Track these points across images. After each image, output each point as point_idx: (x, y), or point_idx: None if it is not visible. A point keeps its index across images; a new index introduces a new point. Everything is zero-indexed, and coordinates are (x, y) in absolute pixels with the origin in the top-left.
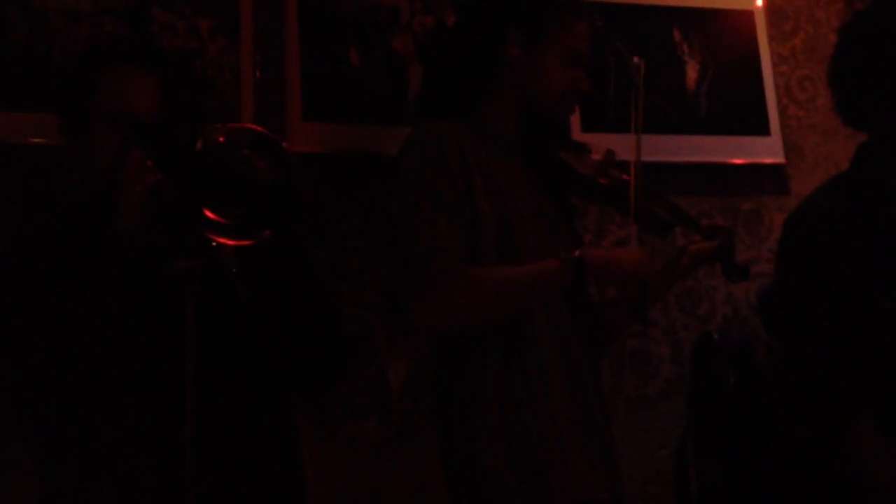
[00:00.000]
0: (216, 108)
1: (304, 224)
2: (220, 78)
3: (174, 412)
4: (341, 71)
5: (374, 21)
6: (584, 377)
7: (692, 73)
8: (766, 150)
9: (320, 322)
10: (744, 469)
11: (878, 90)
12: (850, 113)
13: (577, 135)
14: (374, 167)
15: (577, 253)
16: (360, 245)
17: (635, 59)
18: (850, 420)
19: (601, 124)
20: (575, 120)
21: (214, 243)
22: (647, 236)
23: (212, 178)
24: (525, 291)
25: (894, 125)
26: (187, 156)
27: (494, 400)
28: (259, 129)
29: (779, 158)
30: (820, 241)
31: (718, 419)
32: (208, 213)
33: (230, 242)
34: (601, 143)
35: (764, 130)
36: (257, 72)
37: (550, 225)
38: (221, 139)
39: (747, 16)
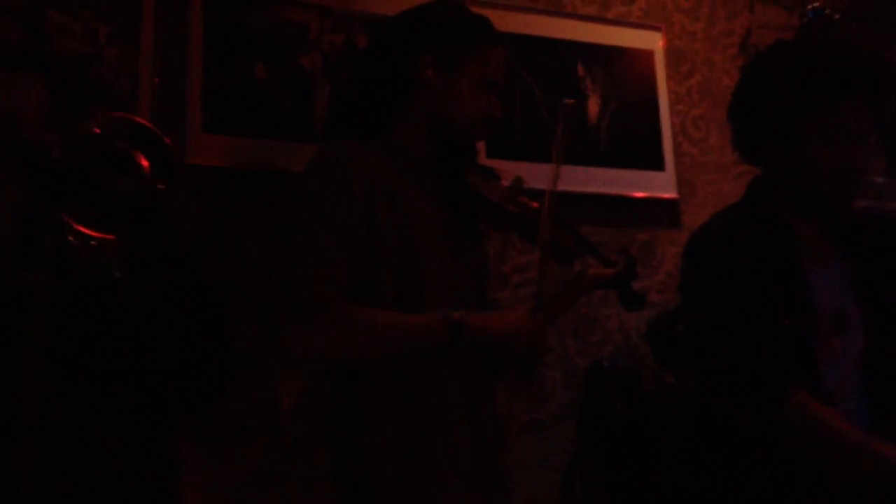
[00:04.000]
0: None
1: (179, 234)
2: (118, 84)
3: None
4: (246, 84)
5: (283, 36)
6: (478, 401)
7: (594, 107)
8: (660, 185)
9: (203, 335)
10: (627, 493)
11: (774, 128)
12: (748, 149)
13: (482, 160)
14: (277, 184)
15: (457, 316)
16: (261, 262)
17: (567, 101)
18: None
19: (507, 151)
20: (481, 146)
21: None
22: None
23: (69, 185)
24: (399, 343)
25: (788, 161)
26: (44, 165)
27: (384, 423)
28: (140, 120)
29: (672, 193)
30: (721, 263)
31: (605, 444)
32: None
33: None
34: (510, 170)
35: (659, 166)
36: (155, 78)
37: (456, 249)
38: (97, 130)
39: (648, 55)
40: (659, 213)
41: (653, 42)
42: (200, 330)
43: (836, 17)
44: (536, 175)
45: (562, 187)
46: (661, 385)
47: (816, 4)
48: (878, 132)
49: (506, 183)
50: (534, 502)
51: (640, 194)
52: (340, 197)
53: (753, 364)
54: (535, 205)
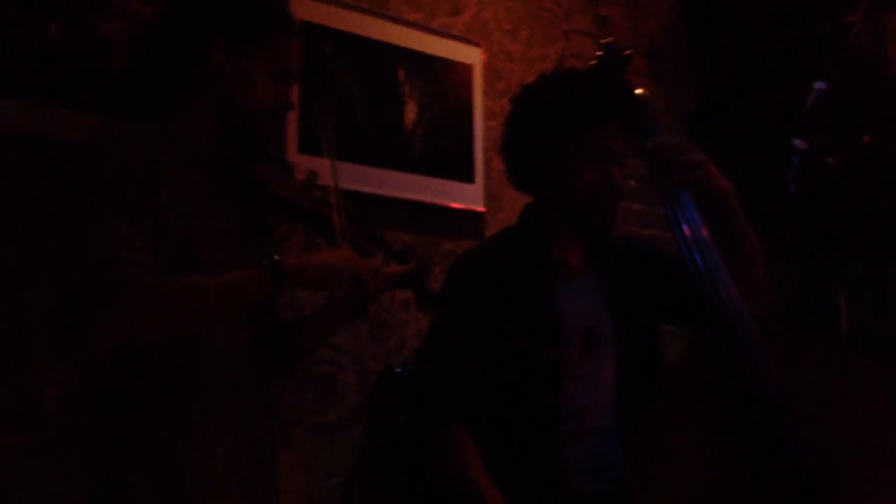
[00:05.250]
0: None
1: None
2: None
3: None
4: (35, 45)
5: None
6: (255, 410)
7: (411, 113)
8: (469, 197)
9: None
10: (406, 497)
11: (542, 152)
12: (520, 176)
13: (293, 156)
14: (54, 154)
15: (276, 258)
16: (28, 237)
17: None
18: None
19: (318, 148)
20: (292, 141)
21: None
22: None
23: None
24: (218, 301)
25: (555, 183)
26: None
27: (148, 433)
28: None
29: (479, 206)
30: (465, 284)
31: (388, 449)
32: None
33: None
34: (305, 164)
35: (469, 178)
36: None
37: (239, 243)
38: None
39: (467, 69)
40: (465, 224)
41: (473, 57)
42: None
43: (628, 52)
44: (346, 173)
45: (371, 189)
46: None
47: (611, 39)
48: (639, 158)
49: (300, 177)
50: None
51: (449, 204)
52: (126, 184)
53: (431, 390)
54: (330, 201)
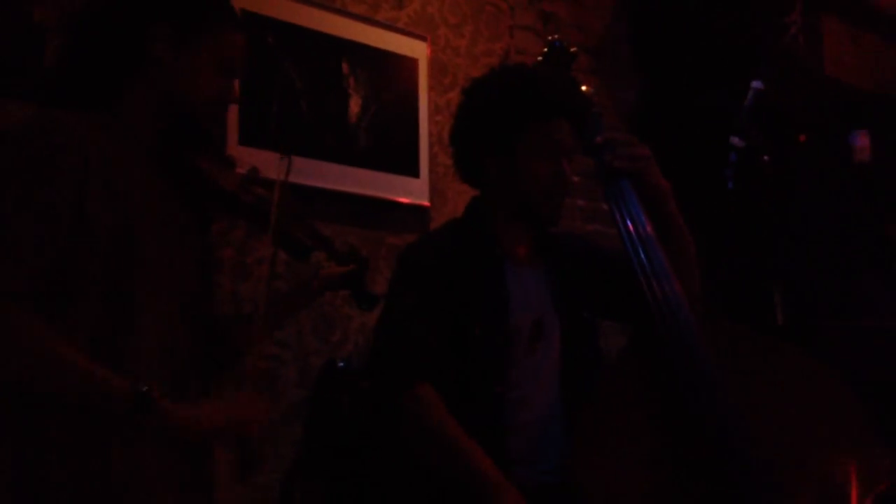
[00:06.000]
0: None
1: None
2: None
3: None
4: None
5: None
6: (185, 398)
7: (355, 106)
8: (414, 191)
9: None
10: (345, 494)
11: (491, 145)
12: (468, 168)
13: (234, 148)
14: None
15: (146, 389)
16: None
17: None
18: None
19: (260, 140)
20: (233, 132)
21: None
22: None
23: None
24: (68, 387)
25: (504, 176)
26: None
27: (74, 431)
28: None
29: (424, 200)
30: (419, 269)
31: (330, 443)
32: None
33: None
34: (248, 158)
35: (414, 172)
36: None
37: (179, 237)
38: None
39: (412, 63)
40: (410, 218)
41: (418, 51)
42: None
43: (573, 49)
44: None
45: (314, 182)
46: None
47: (556, 37)
48: (583, 155)
49: (241, 171)
50: None
51: (393, 198)
52: (42, 175)
53: (396, 353)
54: (271, 196)
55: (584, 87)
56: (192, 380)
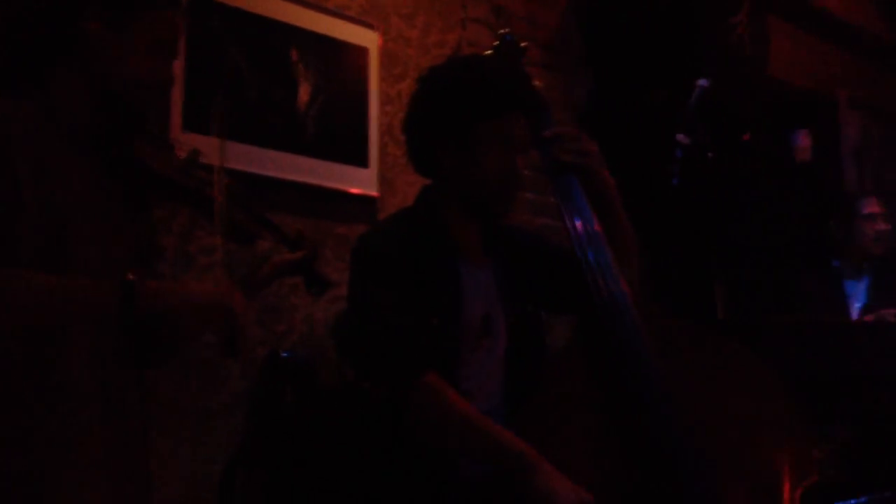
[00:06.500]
0: None
1: None
2: None
3: None
4: None
5: None
6: (125, 409)
7: (304, 94)
8: (363, 181)
9: None
10: (288, 491)
11: (445, 137)
12: (421, 159)
13: (178, 134)
14: None
15: (131, 276)
16: None
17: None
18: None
19: (204, 126)
20: (176, 118)
21: None
22: (232, 245)
23: None
24: (54, 306)
25: (456, 168)
26: None
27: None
28: None
29: (373, 191)
30: (381, 257)
31: (272, 434)
32: None
33: None
34: (191, 143)
35: (363, 162)
36: None
37: (115, 224)
38: None
39: (363, 52)
40: (359, 209)
41: (369, 40)
42: None
43: (524, 44)
44: (235, 153)
45: (261, 170)
46: (342, 380)
47: (507, 31)
48: (532, 148)
49: (181, 155)
50: (190, 497)
51: (341, 188)
52: None
53: (395, 346)
54: (216, 180)
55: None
56: (123, 386)
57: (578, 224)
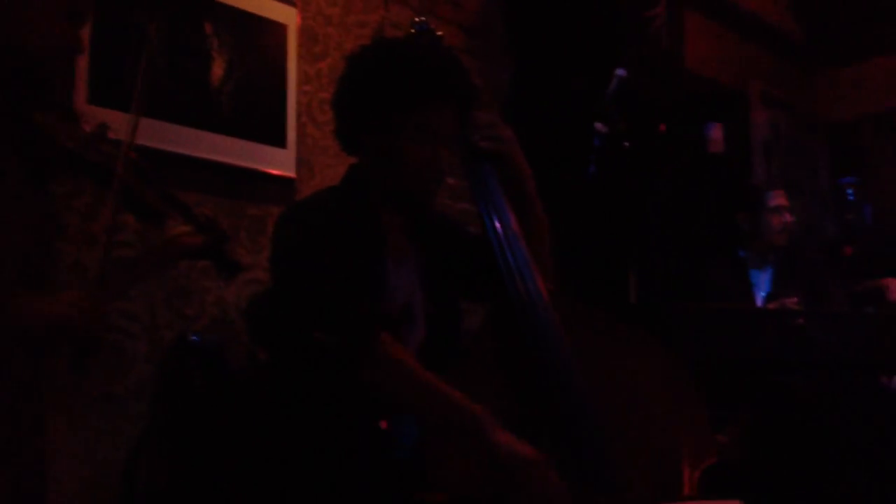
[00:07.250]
0: None
1: None
2: None
3: None
4: None
5: None
6: (17, 393)
7: (218, 70)
8: (279, 162)
9: None
10: (193, 476)
11: (370, 121)
12: (347, 138)
13: (83, 106)
14: None
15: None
16: None
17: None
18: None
19: (114, 100)
20: (81, 89)
21: None
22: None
23: None
24: None
25: (380, 154)
26: None
27: None
28: None
29: (290, 172)
30: (313, 225)
31: (179, 420)
32: None
33: None
34: (96, 115)
35: (281, 143)
36: None
37: (11, 199)
38: None
39: (281, 29)
40: (275, 190)
41: (287, 17)
42: None
43: (440, 34)
44: (144, 128)
45: (172, 147)
46: (253, 363)
47: (423, 19)
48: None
49: (87, 128)
50: (94, 483)
51: (257, 168)
52: None
53: (351, 299)
54: (119, 157)
55: None
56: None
57: (497, 224)
